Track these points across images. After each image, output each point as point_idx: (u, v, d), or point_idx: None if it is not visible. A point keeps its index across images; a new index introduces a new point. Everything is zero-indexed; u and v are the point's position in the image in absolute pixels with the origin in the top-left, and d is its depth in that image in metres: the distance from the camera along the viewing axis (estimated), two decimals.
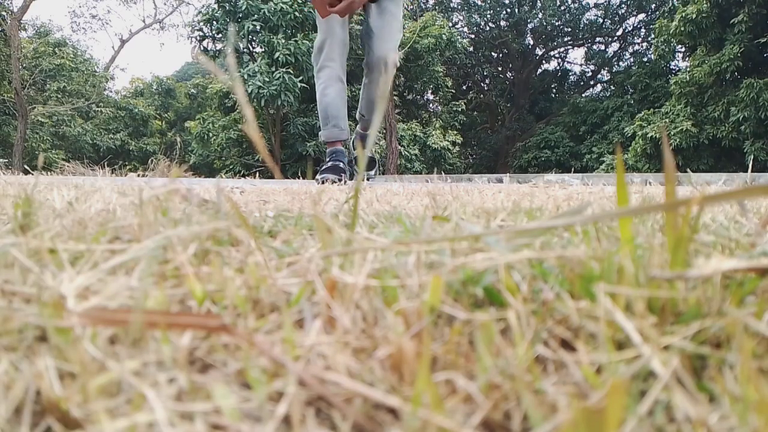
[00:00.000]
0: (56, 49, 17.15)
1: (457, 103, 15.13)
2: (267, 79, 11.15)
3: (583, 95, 18.72)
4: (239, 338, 0.25)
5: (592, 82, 20.03)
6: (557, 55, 20.11)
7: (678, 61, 15.51)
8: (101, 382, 0.22)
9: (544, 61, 20.00)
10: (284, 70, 11.29)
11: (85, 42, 41.30)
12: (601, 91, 19.47)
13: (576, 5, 18.79)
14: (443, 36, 13.34)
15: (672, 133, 11.02)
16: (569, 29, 19.06)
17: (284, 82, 11.15)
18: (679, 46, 13.19)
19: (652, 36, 14.66)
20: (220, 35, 12.35)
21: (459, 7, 18.92)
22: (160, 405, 0.21)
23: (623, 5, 18.65)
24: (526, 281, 0.32)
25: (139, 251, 0.35)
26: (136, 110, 18.72)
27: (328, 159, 2.55)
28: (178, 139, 15.40)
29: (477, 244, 0.37)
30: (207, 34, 12.46)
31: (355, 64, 13.53)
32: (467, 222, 0.53)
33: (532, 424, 0.21)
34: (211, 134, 13.77)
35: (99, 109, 17.96)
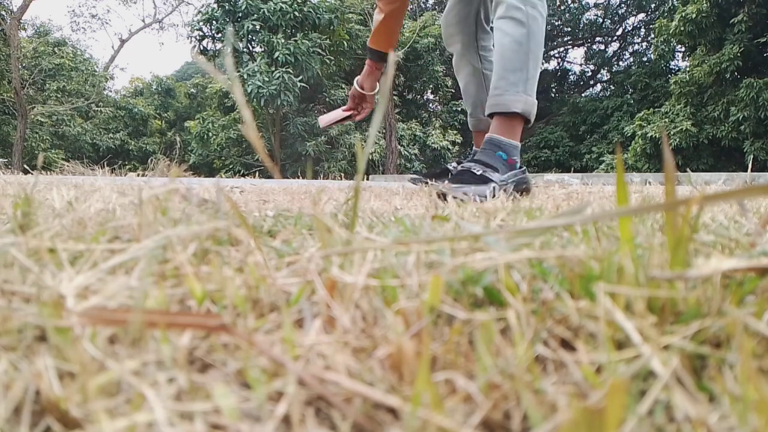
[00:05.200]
0: (56, 48, 17.15)
1: (456, 102, 15.12)
2: (266, 79, 11.15)
3: (583, 95, 18.72)
4: (239, 338, 0.25)
5: (591, 82, 20.04)
6: (557, 55, 20.11)
7: (678, 60, 15.52)
8: (101, 381, 0.22)
9: (543, 61, 19.99)
10: (284, 69, 11.29)
11: (84, 41, 41.30)
12: (600, 90, 19.48)
13: (576, 5, 18.80)
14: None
15: (672, 132, 11.03)
16: (569, 29, 19.07)
17: (284, 81, 11.15)
18: (679, 45, 13.20)
19: (652, 36, 14.68)
20: (219, 35, 12.34)
21: None
22: (159, 405, 0.21)
23: (623, 5, 18.66)
24: (526, 281, 0.32)
25: (138, 251, 0.35)
26: (136, 110, 18.72)
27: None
28: (178, 139, 15.40)
29: (477, 244, 0.37)
30: (207, 34, 12.46)
31: (356, 63, 13.54)
32: (467, 222, 0.53)
33: (531, 424, 0.21)
34: (210, 134, 13.78)
35: (99, 108, 17.95)
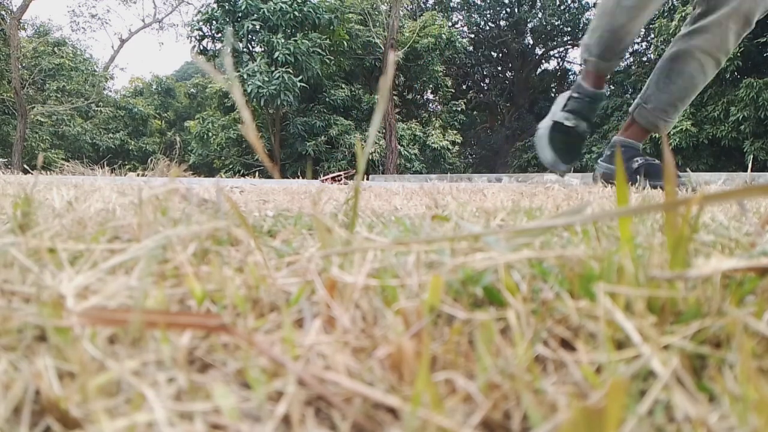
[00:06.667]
0: (56, 48, 17.15)
1: (456, 102, 15.13)
2: (266, 79, 11.15)
3: None
4: (239, 338, 0.25)
5: None
6: (557, 55, 20.13)
7: None
8: (100, 381, 0.22)
9: (543, 61, 20.02)
10: (284, 69, 11.30)
11: (84, 41, 41.20)
12: None
13: (576, 5, 18.78)
14: (443, 36, 13.35)
15: (672, 132, 11.04)
16: (569, 29, 19.06)
17: (284, 81, 11.15)
18: None
19: (652, 35, 14.66)
20: (219, 35, 12.34)
21: (459, 6, 18.97)
22: (159, 405, 0.21)
23: None
24: (526, 281, 0.32)
25: (138, 251, 0.35)
26: (136, 110, 18.72)
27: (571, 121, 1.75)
28: (178, 139, 15.40)
29: (477, 244, 0.37)
30: (206, 34, 12.47)
31: (355, 63, 13.53)
32: (467, 222, 0.53)
33: (531, 424, 0.21)
34: (210, 134, 13.79)
35: (98, 108, 17.95)
